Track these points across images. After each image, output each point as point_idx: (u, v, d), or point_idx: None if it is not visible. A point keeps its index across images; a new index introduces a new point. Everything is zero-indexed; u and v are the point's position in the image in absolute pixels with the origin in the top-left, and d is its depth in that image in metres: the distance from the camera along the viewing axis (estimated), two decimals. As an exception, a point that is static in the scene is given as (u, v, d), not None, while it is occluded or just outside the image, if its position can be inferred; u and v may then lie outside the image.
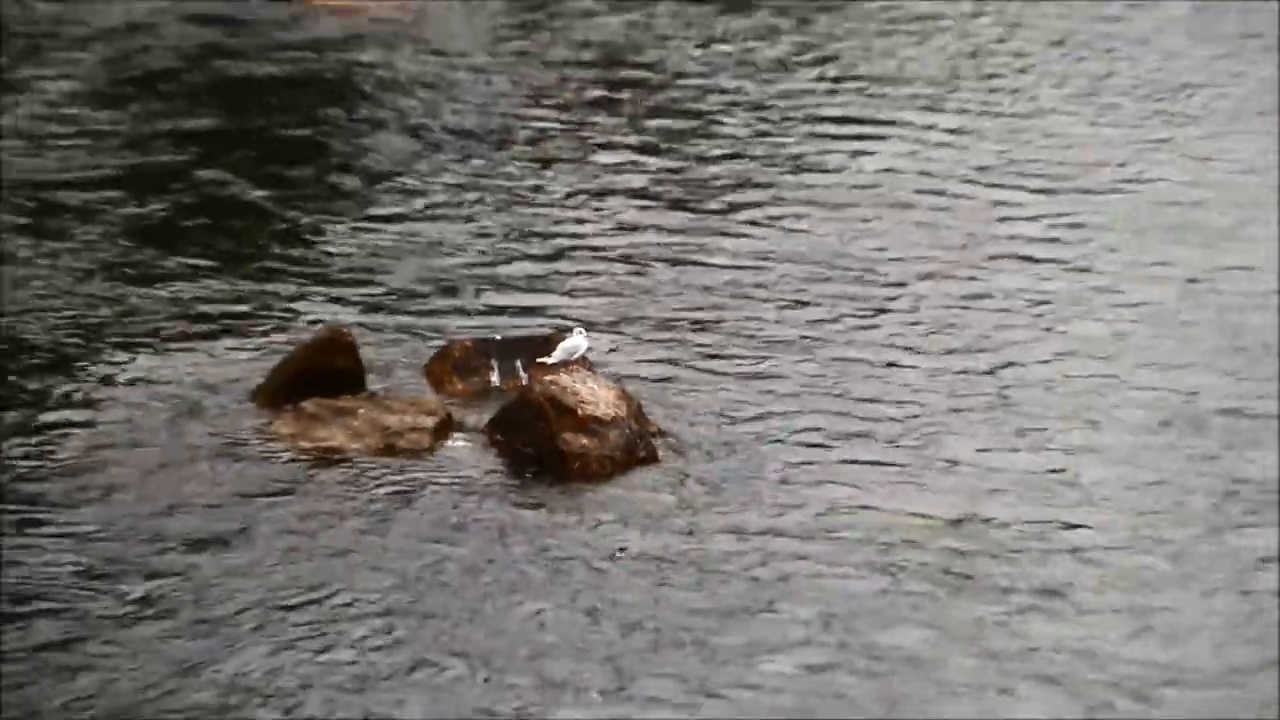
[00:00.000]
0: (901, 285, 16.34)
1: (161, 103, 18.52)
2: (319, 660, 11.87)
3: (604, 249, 16.68)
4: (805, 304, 16.00)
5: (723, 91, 18.96)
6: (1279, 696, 11.93)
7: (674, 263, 16.46)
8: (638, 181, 17.48)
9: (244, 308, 15.70)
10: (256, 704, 11.39)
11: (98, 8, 20.09)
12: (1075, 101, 19.60)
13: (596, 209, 17.16)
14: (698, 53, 19.62)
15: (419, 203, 17.26)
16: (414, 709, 11.56)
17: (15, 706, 11.09)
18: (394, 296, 15.85)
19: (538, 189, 17.48)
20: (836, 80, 19.53)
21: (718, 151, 18.06)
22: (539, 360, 14.48)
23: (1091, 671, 12.08)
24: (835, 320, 15.79)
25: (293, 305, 15.70)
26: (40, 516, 13.04)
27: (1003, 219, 17.51)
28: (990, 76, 19.81)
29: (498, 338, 14.99)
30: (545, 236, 16.79)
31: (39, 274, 15.79)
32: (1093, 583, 13.07)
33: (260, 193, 17.24)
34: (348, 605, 12.35)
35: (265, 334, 15.35)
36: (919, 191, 17.52)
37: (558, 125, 18.46)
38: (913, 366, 15.51)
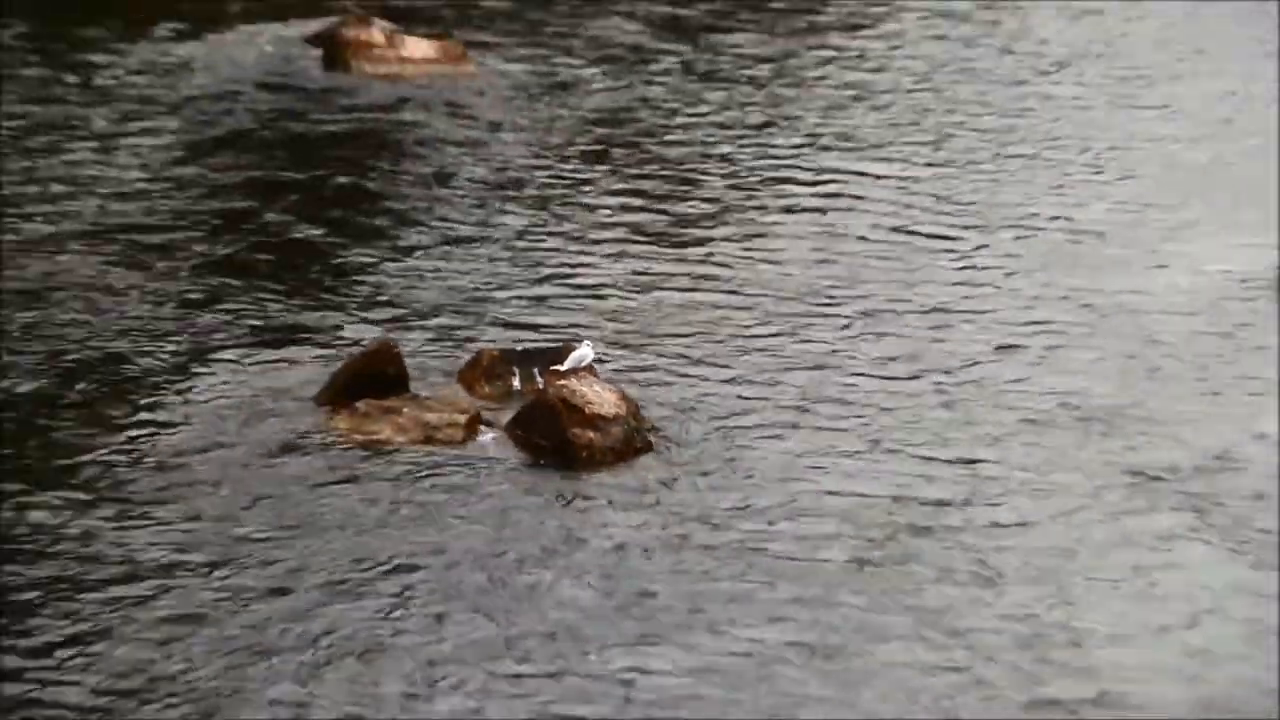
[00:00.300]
0: (854, 307, 16.46)
1: (236, 156, 18.46)
2: (377, 616, 12.10)
3: (604, 277, 16.78)
4: (772, 323, 16.10)
5: (703, 148, 19.01)
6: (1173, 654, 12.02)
7: (662, 288, 16.53)
8: (631, 222, 17.57)
9: (304, 326, 15.80)
10: (325, 656, 11.58)
11: (185, 79, 19.89)
12: (1001, 154, 19.58)
13: (596, 245, 17.27)
14: (683, 118, 19.49)
15: (450, 239, 17.25)
16: (446, 650, 11.81)
17: (115, 675, 11.21)
18: (431, 316, 15.93)
19: (546, 229, 17.61)
20: (799, 139, 19.52)
21: (698, 198, 18.13)
22: (552, 368, 14.67)
23: (1005, 627, 12.29)
24: (798, 336, 15.96)
25: (345, 323, 15.80)
26: (136, 510, 13.15)
27: (939, 251, 17.60)
28: (928, 134, 19.77)
29: (518, 349, 15.18)
30: (554, 267, 16.88)
31: (132, 301, 15.79)
32: (1011, 556, 13.19)
33: (317, 231, 17.25)
34: (394, 570, 12.59)
35: (323, 347, 15.44)
36: (870, 228, 17.67)
37: (563, 176, 18.41)
38: (863, 374, 15.60)
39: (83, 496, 13.33)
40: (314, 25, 21.06)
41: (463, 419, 14.32)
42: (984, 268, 17.42)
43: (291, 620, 11.98)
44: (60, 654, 11.42)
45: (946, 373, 15.67)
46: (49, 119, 19.03)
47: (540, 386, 14.64)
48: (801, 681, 11.76)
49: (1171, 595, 12.85)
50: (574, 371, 14.55)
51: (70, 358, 15.07)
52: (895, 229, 17.73)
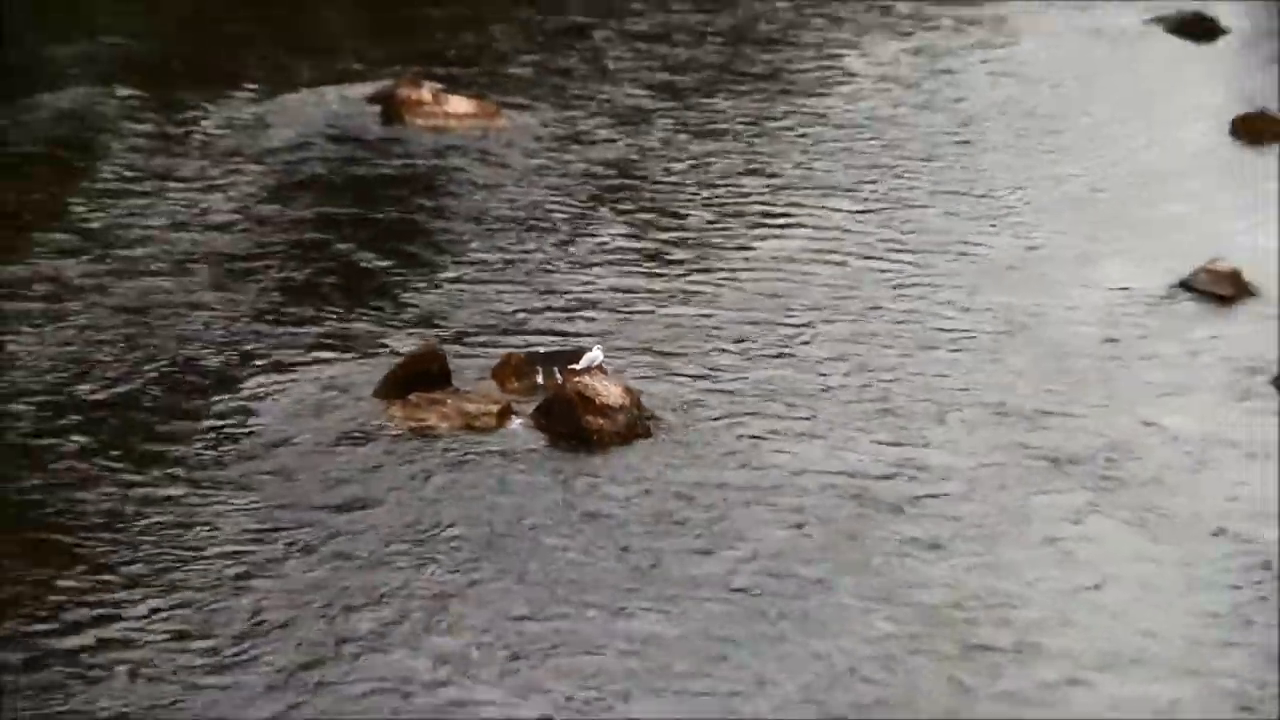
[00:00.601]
0: (811, 318, 16.53)
1: (307, 196, 18.33)
2: (426, 570, 12.45)
3: (609, 294, 16.76)
4: (744, 331, 16.19)
5: (690, 190, 18.96)
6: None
7: (655, 303, 16.60)
8: (630, 249, 17.53)
9: (363, 335, 15.79)
10: (390, 603, 11.95)
11: (264, 132, 19.80)
12: (934, 194, 19.54)
13: (602, 268, 17.20)
14: (674, 165, 19.33)
15: (483, 263, 17.18)
16: (479, 593, 12.25)
17: (216, 633, 11.37)
18: (468, 326, 15.95)
19: (562, 255, 17.50)
20: (768, 181, 19.42)
21: (686, 229, 18.07)
22: (569, 367, 14.81)
23: (938, 587, 12.53)
24: (764, 342, 16.10)
25: (397, 333, 15.85)
26: (226, 488, 13.32)
27: (881, 273, 17.62)
28: (875, 177, 19.72)
29: (541, 352, 15.36)
30: (568, 285, 16.86)
31: (219, 317, 15.81)
32: (944, 527, 13.36)
33: (374, 258, 17.15)
34: (440, 532, 12.92)
35: (378, 353, 15.45)
36: (825, 255, 17.63)
37: (575, 212, 18.27)
38: (819, 373, 15.70)
39: (182, 477, 13.44)
40: (373, 86, 20.89)
41: (496, 409, 14.51)
42: (918, 286, 17.39)
43: (360, 575, 12.29)
44: (168, 615, 11.59)
45: (888, 372, 15.71)
46: (151, 167, 18.79)
47: (559, 382, 14.81)
48: (749, 622, 12.07)
49: (1081, 562, 13.03)
50: (586, 370, 14.71)
51: (165, 363, 15.11)
52: (846, 256, 17.72)
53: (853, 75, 22.86)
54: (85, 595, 11.73)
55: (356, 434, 14.26)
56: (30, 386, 14.42)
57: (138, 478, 13.30)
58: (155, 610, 11.68)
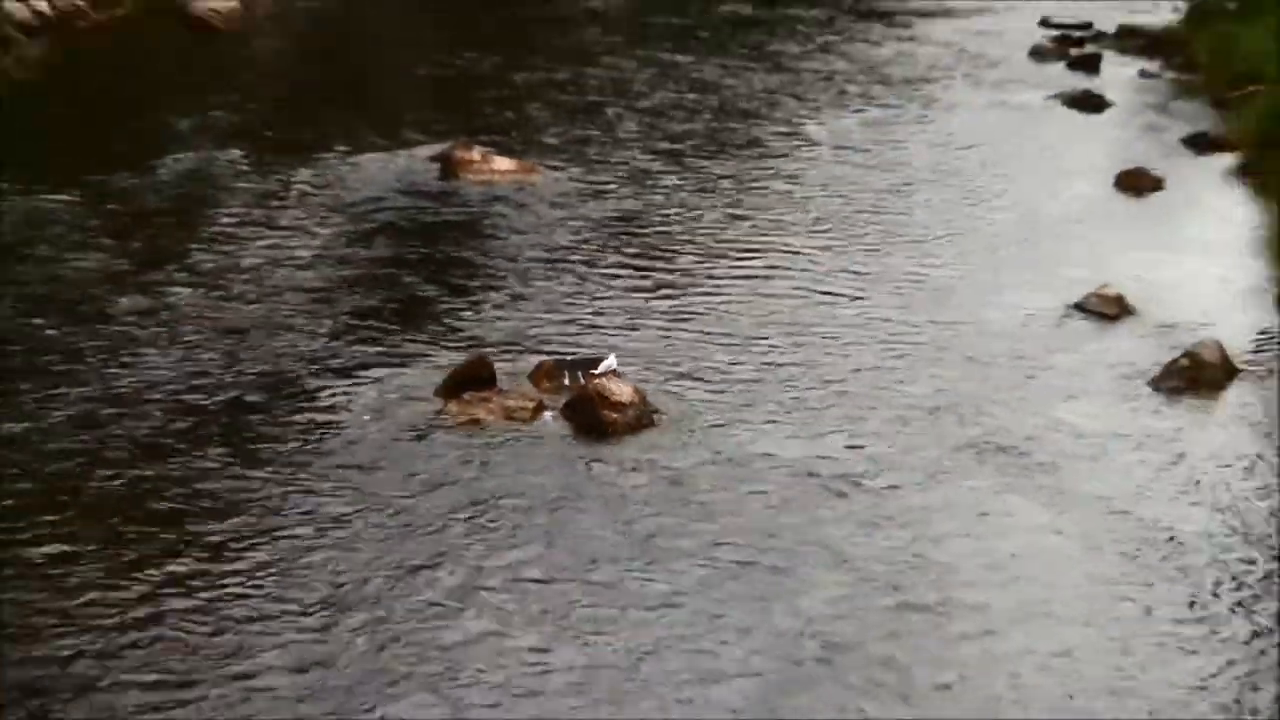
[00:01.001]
0: (781, 336, 16.64)
1: (377, 239, 18.43)
2: (472, 537, 12.58)
3: (620, 316, 16.80)
4: (726, 345, 16.29)
5: (686, 234, 19.09)
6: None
7: (656, 323, 16.71)
8: (637, 281, 17.57)
9: (424, 350, 15.84)
10: (445, 571, 12.04)
11: (343, 187, 20.02)
12: (879, 235, 19.71)
13: (615, 296, 17.25)
14: (673, 214, 19.45)
15: (520, 294, 17.21)
16: (510, 558, 12.38)
17: (313, 600, 11.39)
18: (509, 341, 16.03)
19: (583, 286, 17.51)
20: (747, 227, 19.49)
21: (681, 266, 18.09)
22: (590, 372, 15.00)
23: (880, 558, 12.52)
24: (742, 355, 16.15)
25: (453, 347, 15.85)
26: (314, 476, 13.31)
27: (835, 298, 17.80)
28: (831, 224, 19.84)
29: (567, 360, 15.43)
30: (588, 310, 16.91)
31: (302, 337, 15.84)
32: (888, 506, 13.41)
33: (432, 288, 17.19)
34: (486, 505, 13.03)
35: (436, 363, 15.50)
36: (791, 284, 17.86)
37: (594, 251, 18.28)
38: (786, 381, 15.75)
39: (278, 467, 13.48)
40: (433, 149, 20.92)
41: (531, 405, 14.61)
42: (866, 310, 17.51)
43: (423, 541, 12.43)
44: (266, 579, 11.66)
45: (843, 379, 15.73)
46: (253, 217, 18.91)
47: (581, 384, 14.87)
48: (726, 583, 12.16)
49: (1003, 534, 13.07)
50: (603, 374, 14.92)
51: (261, 375, 15.08)
52: (808, 285, 17.85)
53: (814, 142, 23.06)
54: (197, 565, 11.84)
55: (420, 427, 14.29)
56: (154, 395, 14.40)
57: (240, 469, 13.34)
58: (255, 576, 11.78)
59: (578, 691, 10.84)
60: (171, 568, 11.81)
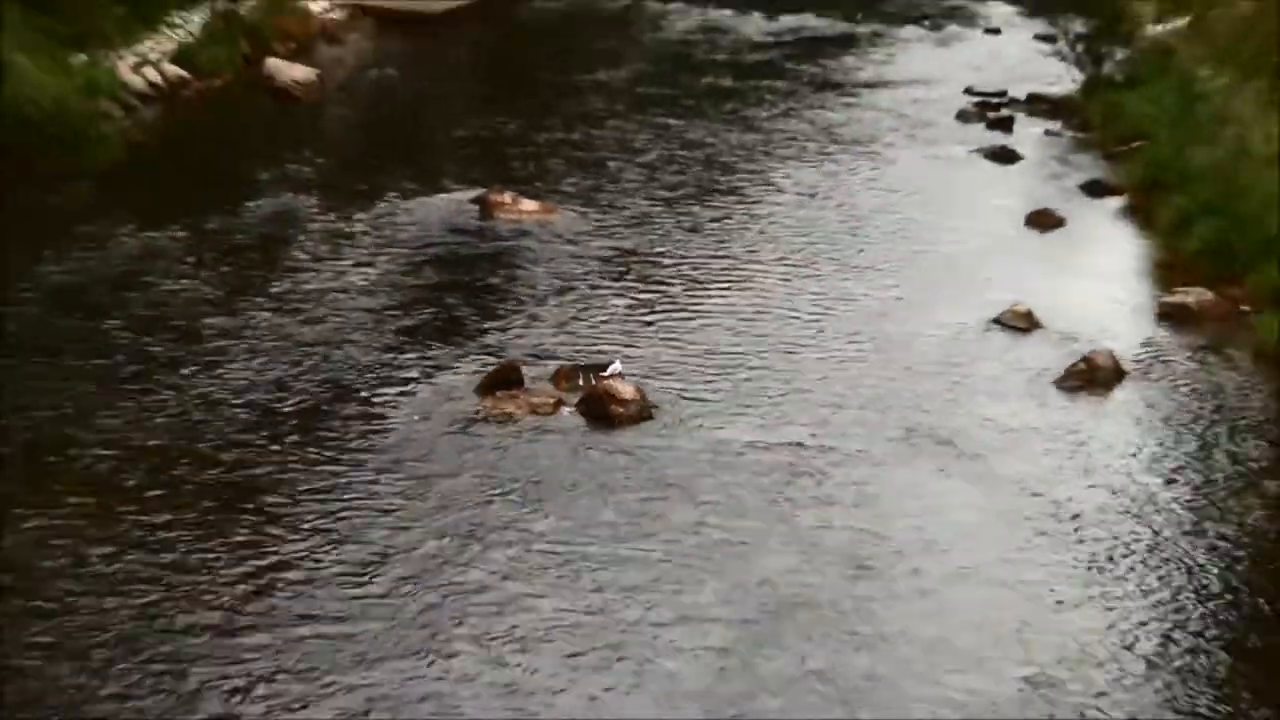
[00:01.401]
0: (756, 345, 16.53)
1: (424, 267, 18.33)
2: (502, 511, 12.64)
3: (624, 329, 16.70)
4: (710, 354, 16.17)
5: (677, 266, 19.01)
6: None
7: (654, 339, 16.54)
8: (637, 305, 17.46)
9: (462, 358, 15.65)
10: (480, 544, 12.10)
11: (396, 225, 19.81)
12: (833, 266, 19.59)
13: (620, 314, 17.13)
14: (668, 249, 19.30)
15: (540, 311, 17.08)
16: (536, 529, 12.46)
17: (368, 566, 11.45)
18: (534, 350, 15.90)
19: (593, 307, 17.33)
20: (730, 259, 19.37)
21: (674, 290, 17.98)
22: (599, 374, 14.93)
23: (827, 527, 12.69)
24: (723, 361, 16.03)
25: (488, 356, 15.64)
26: (372, 470, 13.20)
27: (798, 317, 17.69)
28: (798, 258, 19.78)
29: (581, 365, 15.34)
30: (598, 325, 16.78)
31: (359, 348, 15.75)
32: (831, 487, 13.41)
33: (469, 309, 17.08)
34: (514, 484, 13.01)
35: (473, 369, 15.31)
36: (761, 305, 17.71)
37: (603, 279, 18.17)
38: (760, 383, 15.63)
39: (343, 458, 13.41)
40: (471, 193, 20.73)
41: (552, 401, 14.53)
42: (819, 325, 17.42)
43: (464, 515, 12.43)
44: (334, 556, 11.66)
45: (805, 381, 15.63)
46: (321, 252, 18.75)
47: (593, 384, 14.78)
48: (706, 551, 12.18)
49: (935, 510, 13.06)
50: (610, 376, 14.86)
51: (327, 382, 14.98)
52: (776, 307, 17.78)
53: (781, 189, 22.89)
54: (274, 545, 11.81)
55: (461, 421, 14.21)
56: (238, 401, 14.30)
57: (312, 460, 13.29)
58: (329, 538, 11.89)
59: (583, 628, 10.91)
60: (258, 536, 11.93)
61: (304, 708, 9.73)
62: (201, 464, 12.97)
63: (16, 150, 19.76)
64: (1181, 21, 30.70)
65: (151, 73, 24.96)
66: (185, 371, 14.85)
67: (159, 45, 25.59)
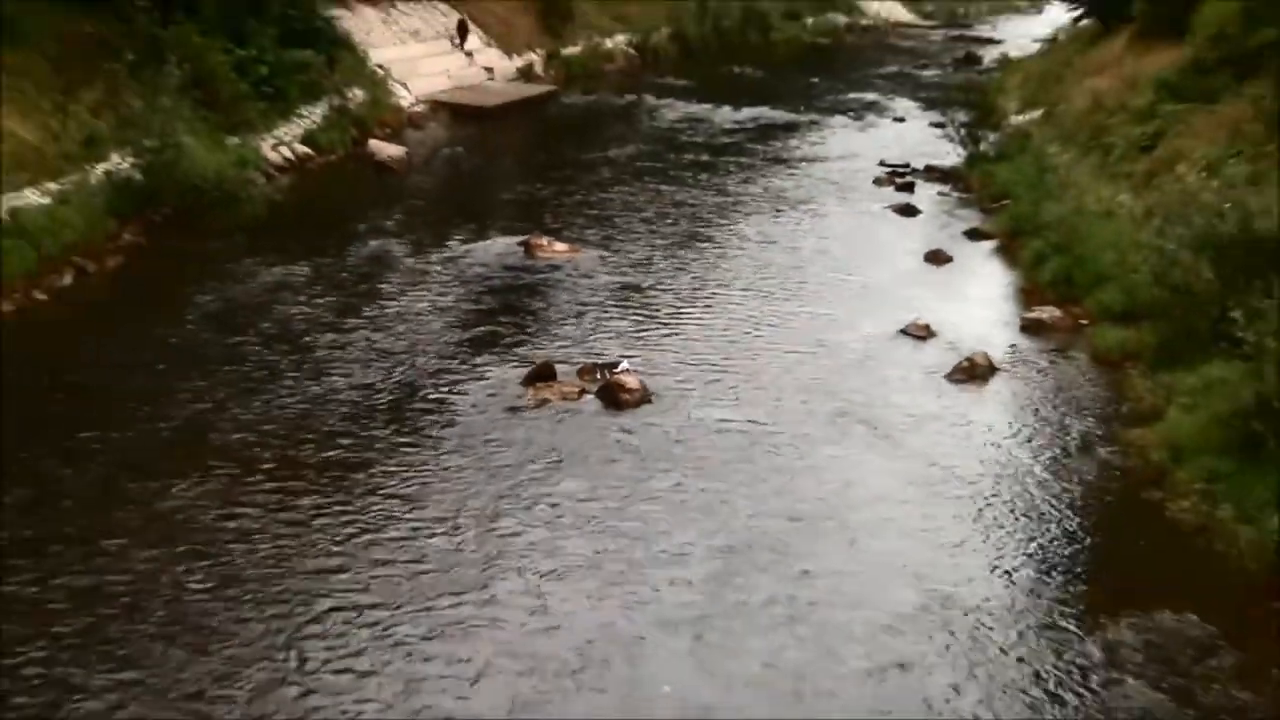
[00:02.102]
0: (723, 354, 16.26)
1: (480, 295, 18.11)
2: (537, 469, 12.59)
3: (631, 338, 16.36)
4: (694, 360, 15.83)
5: (669, 292, 18.62)
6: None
7: (650, 345, 16.18)
8: (638, 322, 17.13)
9: (510, 359, 15.39)
10: (522, 501, 12.06)
11: (459, 264, 19.40)
12: (786, 294, 19.23)
13: (629, 325, 16.82)
14: (660, 282, 19.08)
15: (568, 324, 16.81)
16: (565, 489, 12.34)
17: (436, 523, 11.38)
18: (563, 353, 15.57)
19: (606, 321, 17.06)
20: (712, 287, 19.09)
21: (666, 311, 17.66)
22: (612, 370, 14.80)
23: (782, 491, 12.55)
24: (702, 365, 15.75)
25: (529, 357, 15.36)
26: (445, 445, 13.16)
27: (759, 331, 17.33)
28: (758, 288, 19.48)
29: (599, 363, 15.18)
30: (611, 334, 16.44)
31: (436, 353, 15.62)
32: (787, 458, 13.32)
33: (513, 323, 16.85)
34: (549, 452, 12.95)
35: (518, 366, 15.08)
36: (732, 326, 17.42)
37: (614, 302, 17.88)
38: (730, 376, 15.48)
39: (422, 434, 13.36)
40: (518, 238, 20.49)
41: (578, 390, 14.42)
42: (772, 336, 17.22)
43: (511, 476, 12.39)
44: (413, 513, 11.56)
45: (757, 377, 15.49)
46: (405, 282, 18.37)
47: (607, 377, 14.68)
48: (683, 509, 12.11)
49: (858, 474, 13.02)
50: (620, 372, 14.75)
51: (408, 377, 14.85)
52: (741, 323, 17.58)
53: (745, 237, 22.73)
54: (371, 504, 11.70)
55: (512, 405, 14.16)
56: (342, 396, 14.17)
57: (398, 441, 13.18)
58: (411, 499, 11.82)
59: (597, 563, 10.95)
60: (359, 498, 11.87)
61: (395, 626, 9.73)
62: (315, 444, 12.94)
63: (187, 209, 19.99)
64: (1036, 114, 30.80)
65: (285, 151, 25.09)
66: (302, 374, 14.79)
67: (291, 131, 25.73)
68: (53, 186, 18.04)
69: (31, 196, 17.46)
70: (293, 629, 9.62)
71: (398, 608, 9.98)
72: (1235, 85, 20.39)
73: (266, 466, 12.34)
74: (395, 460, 12.67)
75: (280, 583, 10.25)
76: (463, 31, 36.76)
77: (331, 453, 12.73)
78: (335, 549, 10.84)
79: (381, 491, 11.98)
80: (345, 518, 11.39)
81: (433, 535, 11.16)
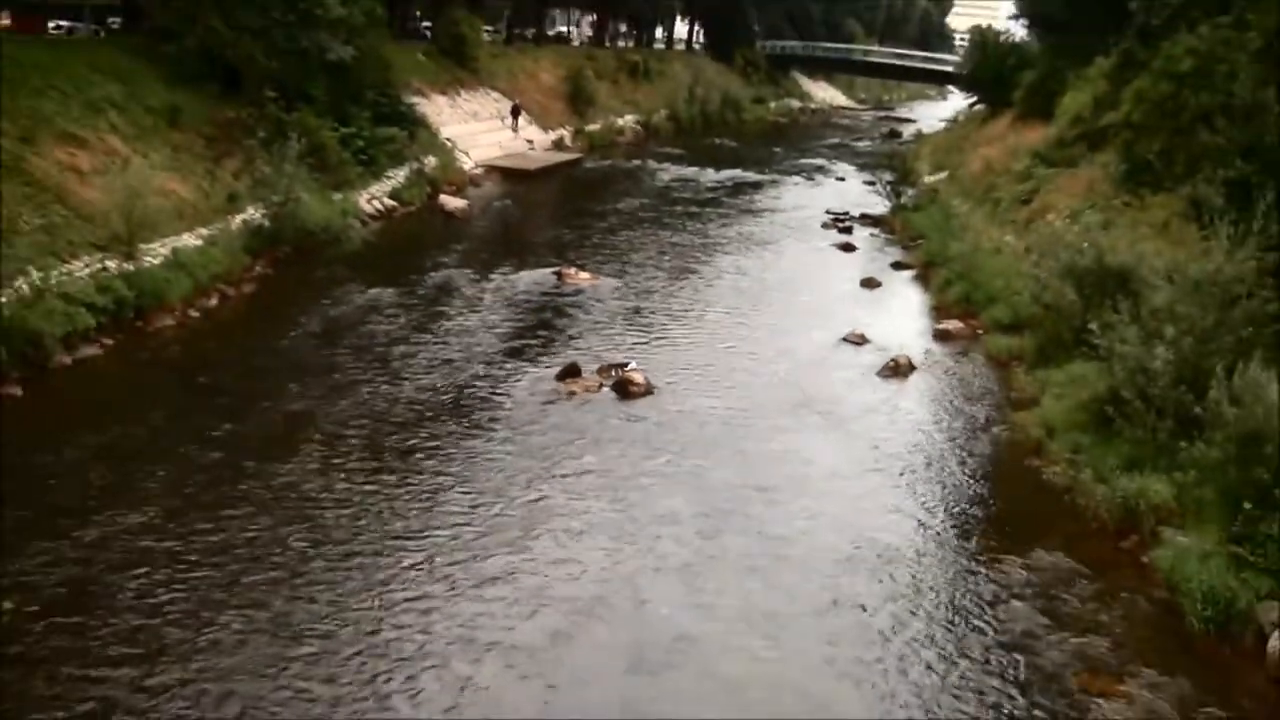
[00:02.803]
0: (708, 360, 15.94)
1: (525, 311, 17.66)
2: (567, 445, 12.37)
3: (633, 350, 15.99)
4: (685, 360, 15.61)
5: (667, 311, 17.89)
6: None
7: (651, 352, 15.87)
8: (642, 336, 16.75)
9: (545, 360, 15.07)
10: (555, 475, 11.88)
11: (502, 288, 18.80)
12: (754, 315, 18.76)
13: (636, 339, 16.45)
14: (658, 306, 18.64)
15: (590, 335, 16.49)
16: (587, 462, 12.11)
17: (486, 499, 10.97)
18: (587, 356, 15.23)
19: (616, 334, 16.73)
20: (695, 312, 18.66)
21: (662, 325, 17.26)
22: (623, 369, 14.58)
23: (751, 466, 12.30)
24: (692, 367, 15.45)
25: (559, 360, 15.03)
26: (494, 431, 12.84)
27: (734, 341, 16.88)
28: (734, 310, 19.00)
29: (613, 363, 14.93)
30: (620, 344, 16.08)
31: (485, 357, 15.06)
32: (757, 439, 13.13)
33: (548, 335, 16.48)
34: (575, 433, 12.74)
35: (550, 366, 14.75)
36: (714, 340, 17.01)
37: (624, 320, 17.55)
38: (713, 374, 15.26)
39: (474, 423, 13.02)
40: (552, 269, 20.29)
41: (597, 384, 14.25)
42: (745, 343, 17.01)
43: (546, 456, 12.12)
44: (466, 488, 11.20)
45: (736, 374, 15.33)
46: (462, 307, 18.10)
47: (619, 374, 14.45)
48: (673, 480, 11.93)
49: (809, 453, 12.71)
50: (629, 370, 14.56)
51: (462, 376, 14.54)
52: (722, 333, 17.36)
53: (724, 269, 22.56)
54: (436, 479, 11.41)
55: (548, 396, 13.95)
56: (412, 394, 13.76)
57: (457, 429, 12.85)
58: (465, 475, 11.52)
59: (609, 524, 10.68)
60: (426, 474, 11.60)
61: (449, 577, 9.54)
62: (391, 431, 12.71)
63: (303, 248, 20.08)
64: (943, 175, 30.72)
65: (376, 203, 25.05)
66: (375, 378, 14.45)
67: (381, 188, 25.73)
68: (204, 232, 18.22)
69: (188, 240, 17.63)
70: (376, 576, 9.37)
71: (452, 564, 9.69)
72: (1089, 154, 20.72)
73: (351, 448, 12.00)
74: (455, 445, 12.39)
75: (359, 541, 9.97)
76: (516, 113, 37.17)
77: (404, 439, 12.44)
78: (407, 514, 10.59)
79: (444, 468, 11.71)
80: (415, 490, 11.15)
81: (484, 505, 10.90)
